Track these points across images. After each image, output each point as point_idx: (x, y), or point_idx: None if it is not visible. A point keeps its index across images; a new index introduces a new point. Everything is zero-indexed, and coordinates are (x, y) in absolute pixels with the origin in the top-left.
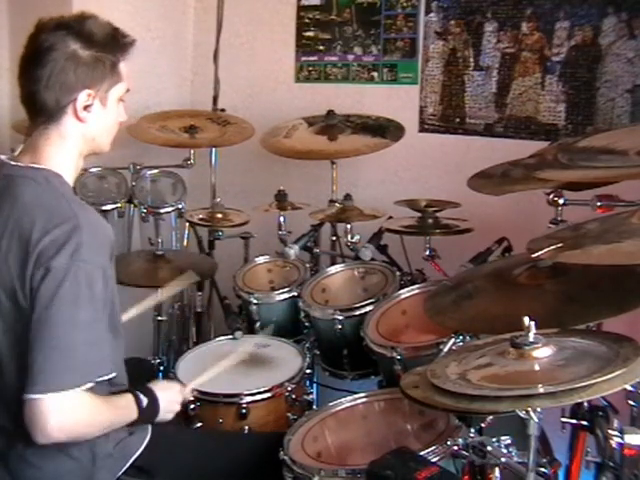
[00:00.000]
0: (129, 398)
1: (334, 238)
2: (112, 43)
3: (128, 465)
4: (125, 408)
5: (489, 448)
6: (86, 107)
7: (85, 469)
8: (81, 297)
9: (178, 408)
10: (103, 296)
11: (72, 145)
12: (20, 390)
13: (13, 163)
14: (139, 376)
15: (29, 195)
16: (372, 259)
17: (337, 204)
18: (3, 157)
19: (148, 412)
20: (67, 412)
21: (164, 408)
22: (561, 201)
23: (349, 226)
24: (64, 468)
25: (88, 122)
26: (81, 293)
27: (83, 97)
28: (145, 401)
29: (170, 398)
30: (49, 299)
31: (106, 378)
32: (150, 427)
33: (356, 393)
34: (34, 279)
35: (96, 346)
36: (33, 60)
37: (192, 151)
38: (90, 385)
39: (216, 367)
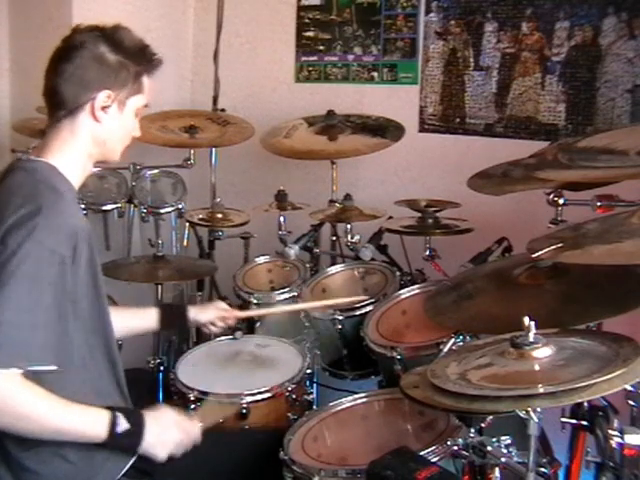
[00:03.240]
0: (102, 416)
1: (334, 238)
2: (139, 54)
3: (127, 467)
4: (87, 423)
5: (489, 448)
6: (104, 108)
7: (82, 473)
8: (25, 275)
9: (173, 448)
10: (56, 284)
11: (81, 143)
12: None
13: (21, 157)
14: (138, 387)
15: (14, 182)
16: (372, 259)
17: (337, 204)
18: (19, 154)
19: (125, 440)
20: None
21: (153, 443)
22: (561, 201)
23: (349, 226)
24: (61, 472)
25: (103, 123)
26: (26, 271)
27: (102, 97)
28: (123, 426)
29: (165, 433)
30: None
31: (43, 369)
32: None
33: (356, 393)
34: None
35: (34, 330)
36: (62, 55)
37: (192, 151)
38: (17, 370)
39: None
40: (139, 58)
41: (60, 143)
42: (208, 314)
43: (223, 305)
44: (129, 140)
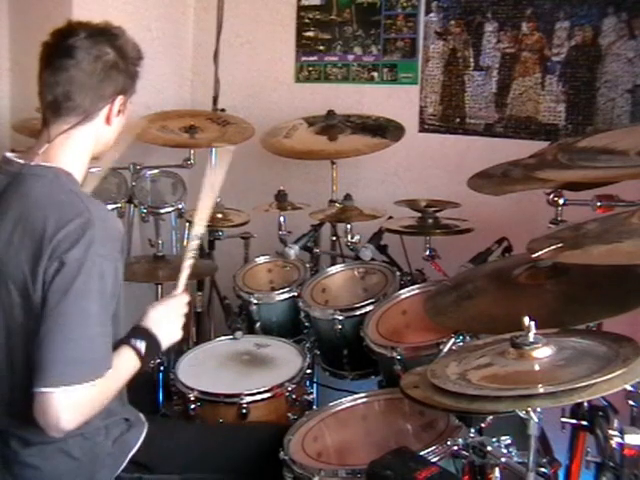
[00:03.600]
0: (126, 353)
1: (334, 238)
2: (137, 57)
3: (127, 461)
4: (125, 367)
5: (489, 448)
6: (118, 112)
7: (86, 468)
8: (94, 290)
9: (182, 320)
10: (113, 291)
11: (88, 146)
12: (29, 387)
13: (22, 161)
14: (138, 387)
15: (39, 192)
16: (372, 259)
17: (337, 204)
18: (10, 155)
19: (151, 351)
20: (79, 406)
21: (166, 334)
22: (561, 201)
23: (349, 226)
24: (64, 468)
25: (112, 126)
26: (94, 286)
27: (119, 102)
28: (143, 345)
29: (168, 320)
30: (63, 292)
31: (107, 374)
32: (146, 423)
33: (356, 393)
34: (47, 273)
35: (106, 340)
36: (68, 58)
37: (192, 151)
38: (99, 381)
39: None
40: (138, 61)
41: (72, 149)
42: None
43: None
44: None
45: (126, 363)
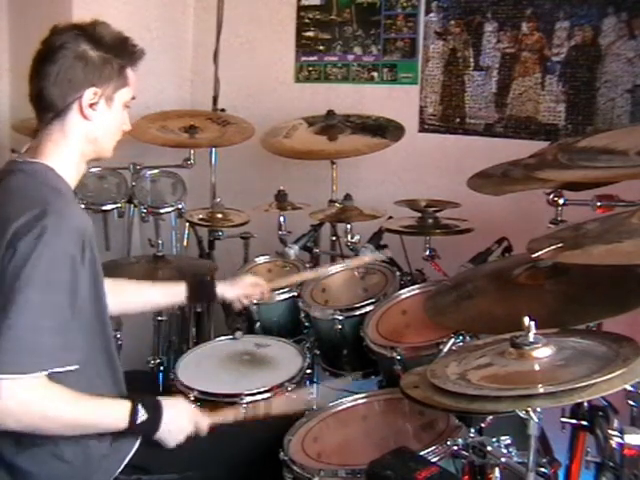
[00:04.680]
0: (124, 407)
1: (334, 238)
2: (121, 48)
3: (124, 465)
4: (110, 416)
5: (489, 448)
6: (92, 105)
7: (79, 472)
8: (40, 280)
9: (183, 437)
10: (70, 284)
11: (74, 143)
12: None
13: (16, 159)
14: (138, 387)
15: (15, 184)
16: None
17: (337, 204)
18: (14, 155)
19: (143, 428)
20: (18, 398)
21: (167, 432)
22: (561, 201)
23: (349, 226)
24: (57, 472)
25: (93, 121)
26: (40, 276)
27: (89, 94)
28: (144, 416)
29: (178, 423)
30: (12, 279)
31: (66, 369)
32: None
33: (356, 393)
34: (4, 260)
35: (57, 334)
36: (44, 58)
37: (192, 151)
38: (41, 374)
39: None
40: (121, 52)
41: (53, 145)
42: (235, 290)
43: (251, 279)
44: (120, 135)
45: (112, 411)
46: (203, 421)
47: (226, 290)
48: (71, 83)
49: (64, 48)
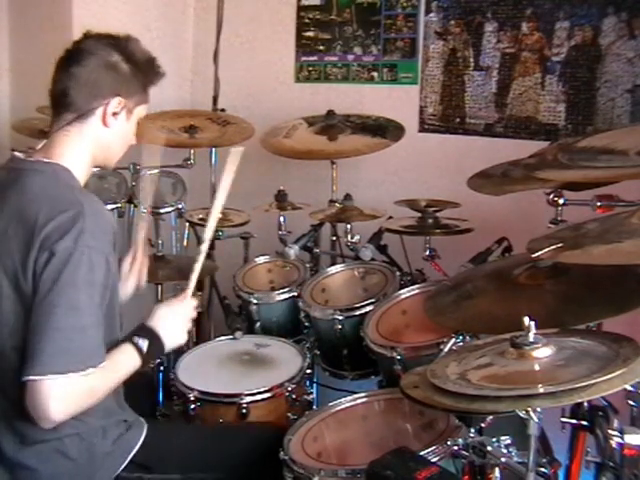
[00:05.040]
0: (127, 350)
1: (334, 238)
2: (149, 66)
3: (127, 462)
4: (125, 363)
5: (489, 448)
6: (114, 113)
7: (83, 469)
8: (82, 280)
9: (188, 324)
10: (104, 283)
11: (87, 146)
12: (20, 379)
13: (23, 157)
14: (139, 388)
15: (36, 186)
16: (372, 259)
17: (337, 204)
18: (17, 153)
19: (153, 351)
20: (69, 396)
21: (171, 336)
22: (561, 201)
23: (349, 226)
24: (61, 469)
25: (111, 129)
26: (83, 277)
27: (115, 103)
28: (145, 344)
29: (174, 322)
30: (52, 282)
31: (100, 366)
32: (146, 424)
33: (356, 393)
34: (38, 263)
35: (97, 331)
36: (73, 58)
37: (192, 151)
38: (91, 371)
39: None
40: (148, 70)
41: (70, 146)
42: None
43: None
44: (127, 147)
45: (126, 359)
46: (187, 304)
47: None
48: (99, 89)
49: (95, 54)
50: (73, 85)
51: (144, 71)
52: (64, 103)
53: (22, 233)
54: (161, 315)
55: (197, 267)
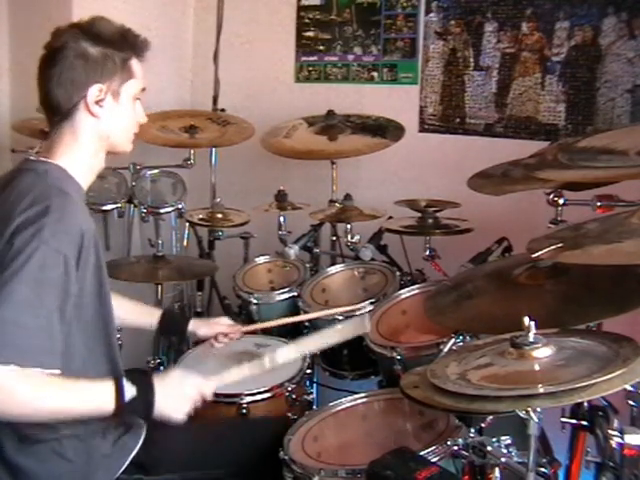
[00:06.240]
0: (106, 387)
1: (334, 238)
2: (121, 40)
3: (126, 464)
4: (95, 399)
5: (489, 448)
6: (98, 102)
7: (81, 471)
8: (30, 276)
9: (188, 407)
10: (63, 286)
11: (85, 143)
12: None
13: (33, 158)
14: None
15: (24, 183)
16: (372, 259)
17: (337, 204)
18: (32, 156)
19: (135, 406)
20: None
21: (165, 404)
22: (561, 201)
23: (349, 226)
24: (59, 470)
25: (101, 118)
26: (31, 272)
27: (94, 91)
28: (130, 392)
29: (177, 392)
30: (3, 271)
31: (47, 372)
32: (145, 425)
33: (356, 393)
34: (2, 254)
35: (37, 334)
36: (47, 60)
37: (192, 151)
38: (15, 367)
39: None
40: (121, 45)
41: (64, 146)
42: (208, 329)
43: (226, 321)
44: (136, 127)
45: (94, 393)
46: (206, 385)
47: (199, 327)
48: (74, 83)
49: (65, 49)
50: (53, 86)
51: (118, 47)
52: (50, 106)
53: (1, 229)
54: (169, 379)
55: (247, 372)
